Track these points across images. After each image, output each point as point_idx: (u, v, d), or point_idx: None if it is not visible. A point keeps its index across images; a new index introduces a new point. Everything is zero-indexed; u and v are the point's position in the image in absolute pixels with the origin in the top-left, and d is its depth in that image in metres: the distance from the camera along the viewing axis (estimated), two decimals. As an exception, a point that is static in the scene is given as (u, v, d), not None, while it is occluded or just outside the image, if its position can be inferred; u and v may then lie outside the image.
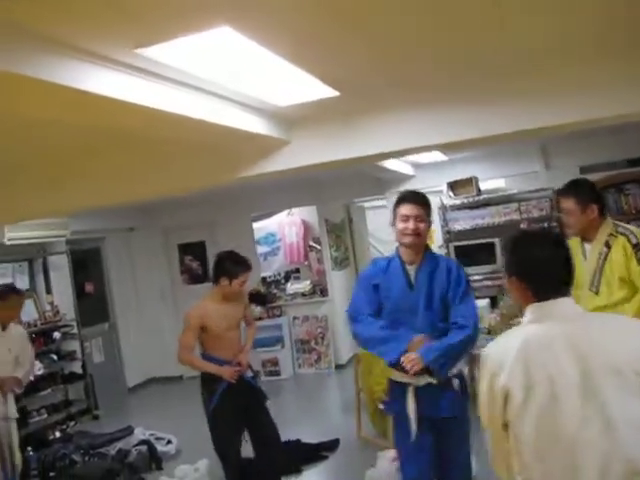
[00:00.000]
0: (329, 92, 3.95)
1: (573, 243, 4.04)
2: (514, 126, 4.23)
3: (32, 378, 7.74)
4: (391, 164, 8.10)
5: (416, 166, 9.17)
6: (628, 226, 4.00)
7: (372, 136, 4.46)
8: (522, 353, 2.06)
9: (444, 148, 5.19)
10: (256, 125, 4.21)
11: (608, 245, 3.92)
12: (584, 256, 4.04)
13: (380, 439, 6.03)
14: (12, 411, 5.76)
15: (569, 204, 4.04)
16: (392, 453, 5.06)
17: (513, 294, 2.28)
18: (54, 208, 6.04)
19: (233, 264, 4.89)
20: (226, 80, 3.48)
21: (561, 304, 2.14)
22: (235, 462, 4.92)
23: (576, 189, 4.06)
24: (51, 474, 6.19)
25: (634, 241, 3.84)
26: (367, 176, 9.22)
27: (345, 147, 4.53)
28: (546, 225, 8.21)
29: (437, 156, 8.47)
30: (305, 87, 3.81)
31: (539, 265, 2.16)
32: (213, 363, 4.88)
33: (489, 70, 4.04)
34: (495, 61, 3.88)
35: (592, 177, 8.17)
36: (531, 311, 2.17)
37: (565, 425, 1.99)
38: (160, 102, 3.22)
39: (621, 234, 3.91)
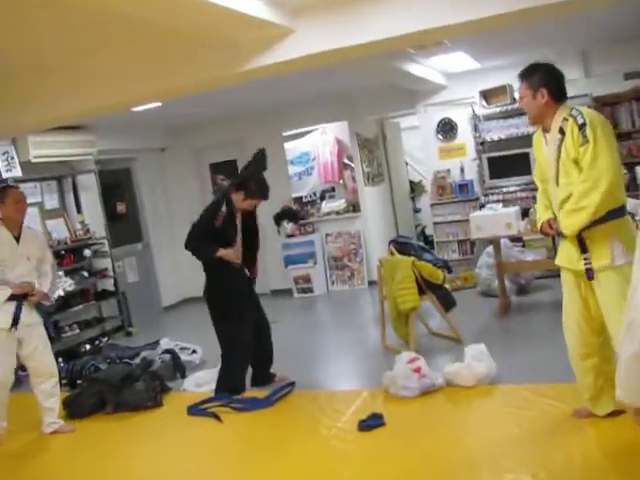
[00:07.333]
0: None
1: (536, 138, 3.85)
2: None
3: (62, 292, 7.82)
4: (420, 71, 7.79)
5: (448, 75, 8.85)
6: (582, 107, 3.64)
7: (379, 20, 4.13)
8: None
9: (453, 33, 4.74)
10: (258, 9, 3.97)
11: (562, 131, 3.55)
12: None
13: (402, 346, 5.92)
14: (34, 316, 5.49)
15: (521, 89, 3.75)
16: (408, 355, 4.96)
17: None
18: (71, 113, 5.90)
19: (258, 187, 5.37)
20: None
21: None
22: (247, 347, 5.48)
23: (527, 72, 3.73)
24: (78, 382, 6.25)
25: (580, 121, 3.46)
26: (398, 88, 8.98)
27: (352, 33, 4.19)
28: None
29: (469, 64, 8.15)
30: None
31: None
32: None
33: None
34: None
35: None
36: None
37: None
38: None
39: (572, 116, 3.52)
